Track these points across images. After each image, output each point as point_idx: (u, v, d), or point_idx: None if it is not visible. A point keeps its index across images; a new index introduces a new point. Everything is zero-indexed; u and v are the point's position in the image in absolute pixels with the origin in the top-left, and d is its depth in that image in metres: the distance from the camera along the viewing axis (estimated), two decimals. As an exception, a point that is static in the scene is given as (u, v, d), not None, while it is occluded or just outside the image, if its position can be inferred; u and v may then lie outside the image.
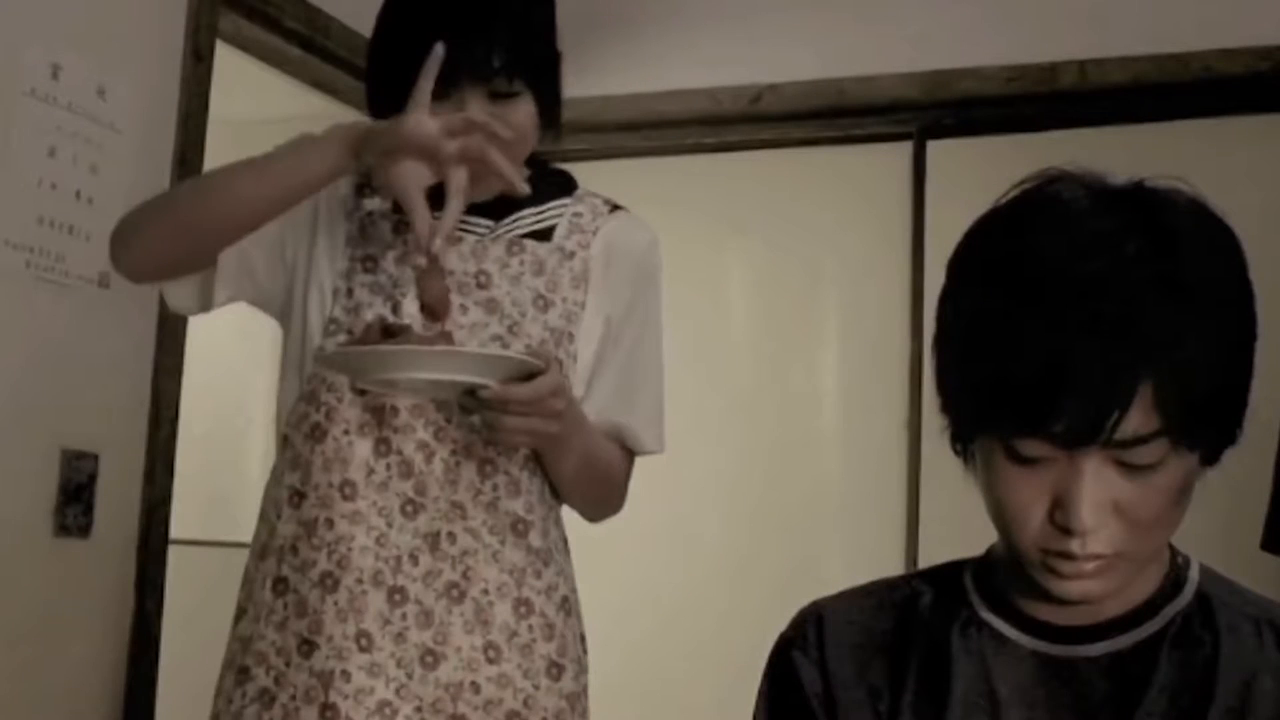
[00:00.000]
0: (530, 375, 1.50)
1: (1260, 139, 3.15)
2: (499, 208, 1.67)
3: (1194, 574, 1.10)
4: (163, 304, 2.67)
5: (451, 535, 1.60)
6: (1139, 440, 0.96)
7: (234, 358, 4.50)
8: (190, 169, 2.71)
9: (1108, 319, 0.95)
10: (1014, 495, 1.01)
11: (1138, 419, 0.95)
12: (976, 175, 3.28)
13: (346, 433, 1.61)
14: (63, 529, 2.46)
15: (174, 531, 2.73)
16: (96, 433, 2.54)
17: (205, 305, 1.71)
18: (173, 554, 2.74)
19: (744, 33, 3.47)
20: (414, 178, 1.52)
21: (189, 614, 3.13)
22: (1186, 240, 0.98)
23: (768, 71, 3.42)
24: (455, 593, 1.60)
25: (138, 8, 2.64)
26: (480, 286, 1.64)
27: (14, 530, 2.40)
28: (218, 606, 4.75)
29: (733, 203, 3.59)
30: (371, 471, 1.60)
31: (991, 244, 1.03)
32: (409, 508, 1.60)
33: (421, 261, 1.54)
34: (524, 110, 1.61)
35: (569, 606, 1.68)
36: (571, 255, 1.69)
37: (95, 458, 2.52)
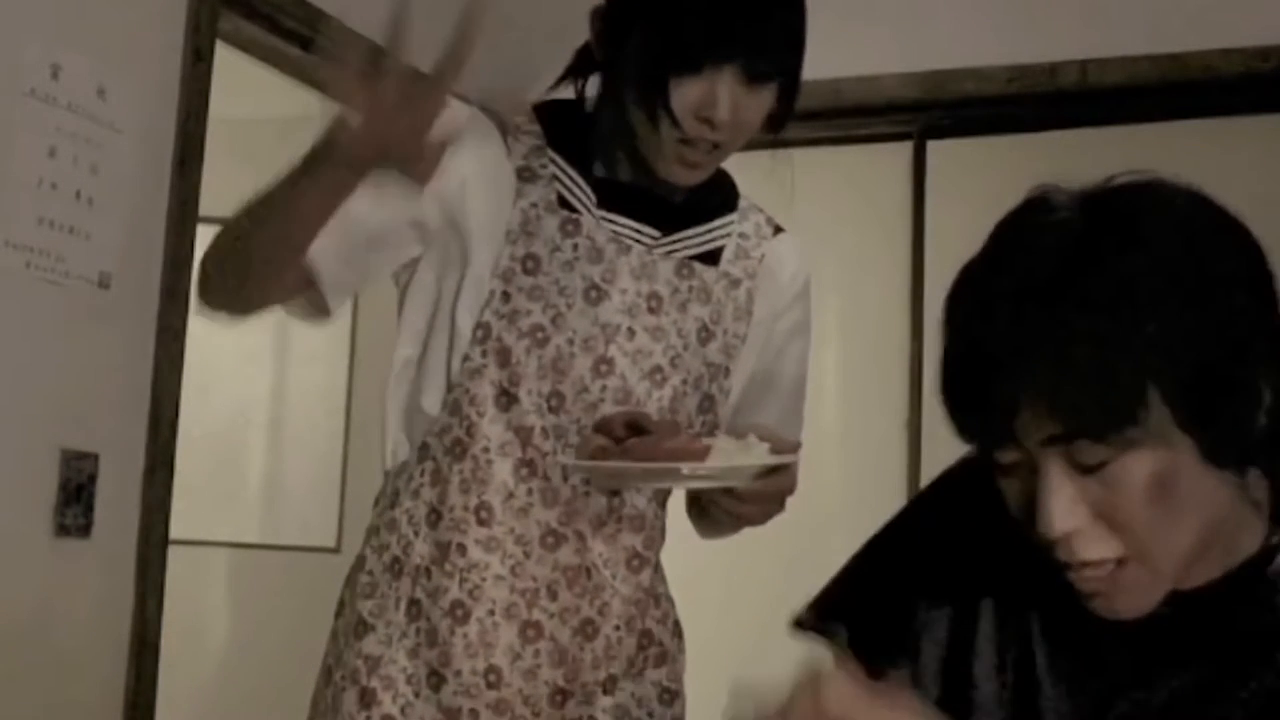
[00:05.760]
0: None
1: (1260, 139, 3.15)
2: (665, 217, 1.59)
3: None
4: (162, 304, 2.68)
5: (589, 570, 1.54)
6: (1067, 436, 0.96)
7: (234, 358, 4.50)
8: (190, 169, 2.71)
9: (1004, 319, 0.96)
10: (1013, 505, 1.02)
11: (1040, 419, 0.96)
12: (976, 175, 3.28)
13: (487, 451, 1.51)
14: (63, 529, 2.46)
15: (174, 531, 2.73)
16: (96, 433, 2.54)
17: (325, 312, 1.52)
18: (173, 554, 2.74)
19: (744, 33, 3.47)
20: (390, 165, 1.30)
21: (189, 614, 3.13)
22: (1096, 240, 0.98)
23: (768, 71, 3.42)
24: (590, 629, 1.54)
25: (138, 8, 2.64)
26: (650, 311, 1.56)
27: (14, 530, 2.40)
28: (218, 606, 4.76)
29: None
30: (511, 495, 1.52)
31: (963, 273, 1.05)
32: (550, 539, 1.52)
33: None
34: (768, 101, 1.51)
35: (679, 630, 1.66)
36: (737, 283, 1.62)
37: (95, 458, 2.52)
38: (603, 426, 1.45)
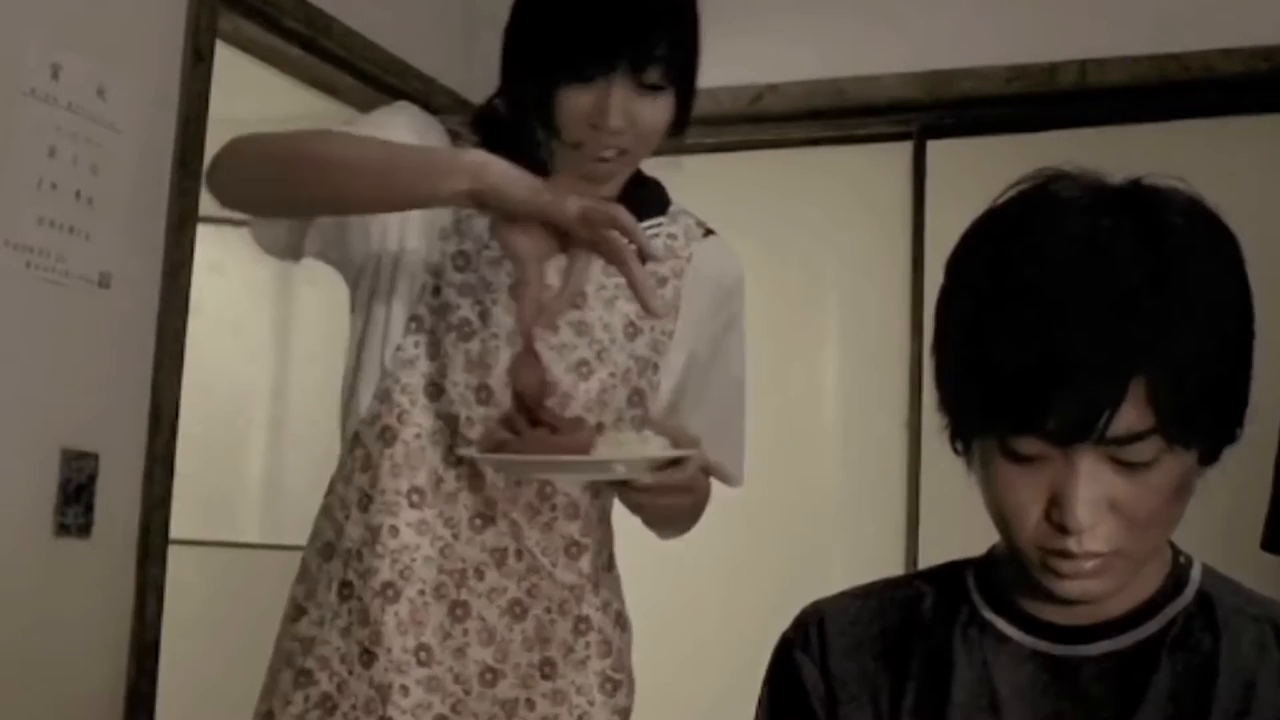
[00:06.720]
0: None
1: (1260, 139, 3.15)
2: None
3: (1196, 573, 1.10)
4: (163, 304, 2.68)
5: (519, 552, 1.57)
6: (1133, 437, 0.96)
7: (234, 358, 4.50)
8: (190, 169, 2.71)
9: (1099, 316, 0.95)
10: (1012, 494, 1.01)
11: (1130, 416, 0.95)
12: (976, 175, 3.28)
13: (418, 437, 1.56)
14: (63, 529, 2.46)
15: (174, 531, 2.73)
16: (96, 433, 2.54)
17: (295, 254, 1.61)
18: (173, 554, 2.74)
19: (744, 33, 3.47)
20: (536, 249, 1.39)
21: (189, 614, 3.13)
22: (1180, 238, 0.98)
23: (768, 71, 3.43)
24: (518, 610, 1.58)
25: (138, 8, 2.64)
26: (575, 306, 1.58)
27: (14, 530, 2.40)
28: (218, 606, 4.77)
29: (733, 203, 3.59)
30: (441, 480, 1.56)
31: (988, 243, 1.04)
32: (478, 521, 1.57)
33: (522, 343, 1.46)
34: (665, 107, 1.53)
35: (624, 622, 1.67)
36: (664, 282, 1.64)
37: (95, 458, 2.52)
38: (507, 420, 1.49)
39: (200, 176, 2.73)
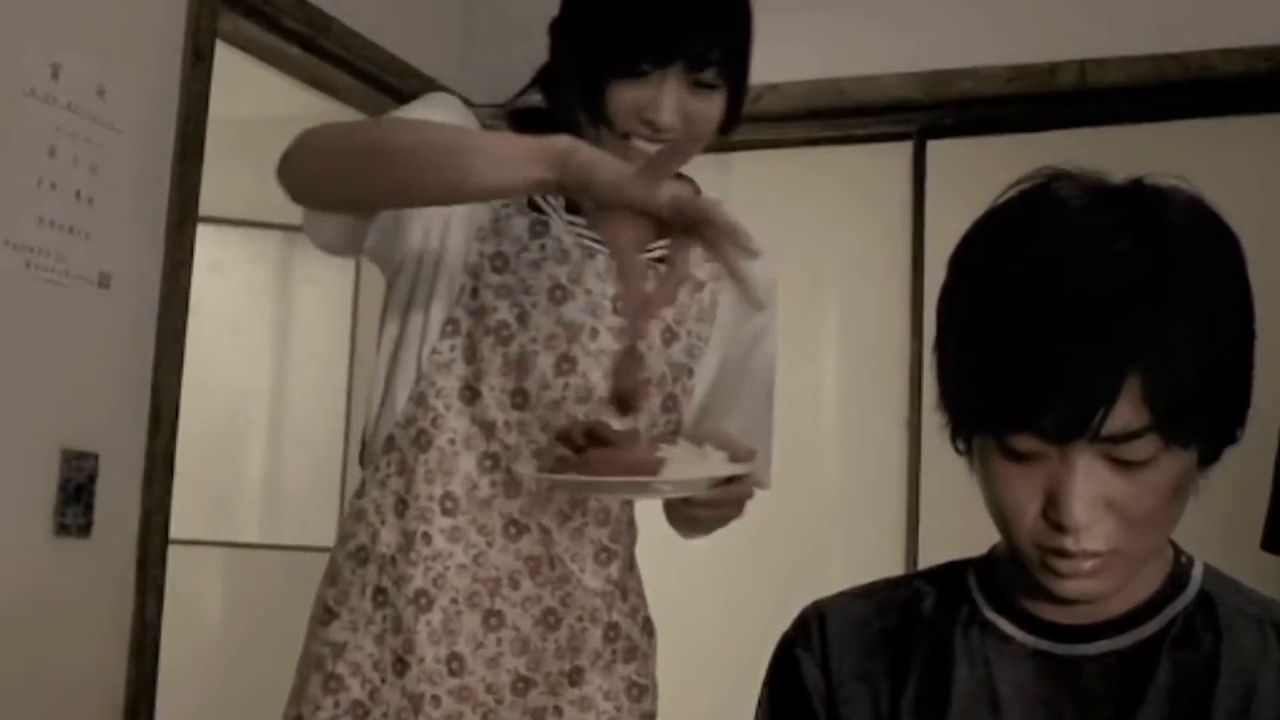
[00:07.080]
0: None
1: (1260, 139, 3.15)
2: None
3: (1197, 573, 1.10)
4: (163, 304, 2.68)
5: (551, 560, 1.57)
6: (1129, 435, 0.96)
7: (234, 358, 4.50)
8: (190, 169, 2.71)
9: (1095, 314, 0.95)
10: (1009, 492, 1.01)
11: (1126, 414, 0.95)
12: (976, 175, 3.28)
13: (453, 442, 1.55)
14: (63, 529, 2.46)
15: (174, 531, 2.73)
16: (96, 433, 2.54)
17: (355, 250, 1.56)
18: (173, 554, 2.74)
19: (744, 33, 3.47)
20: (635, 238, 1.37)
21: (189, 614, 3.13)
22: (1179, 237, 0.98)
23: (768, 71, 3.40)
24: (552, 619, 1.57)
25: (138, 8, 2.64)
26: (614, 311, 1.57)
27: (14, 530, 2.40)
28: (218, 606, 4.76)
29: (733, 203, 3.59)
30: (475, 486, 1.55)
31: (988, 241, 1.04)
32: (512, 529, 1.56)
33: (629, 342, 1.44)
34: (717, 105, 1.52)
35: (650, 628, 1.68)
36: (701, 286, 1.63)
37: (95, 458, 2.52)
38: (563, 436, 1.46)
39: (200, 176, 2.74)
